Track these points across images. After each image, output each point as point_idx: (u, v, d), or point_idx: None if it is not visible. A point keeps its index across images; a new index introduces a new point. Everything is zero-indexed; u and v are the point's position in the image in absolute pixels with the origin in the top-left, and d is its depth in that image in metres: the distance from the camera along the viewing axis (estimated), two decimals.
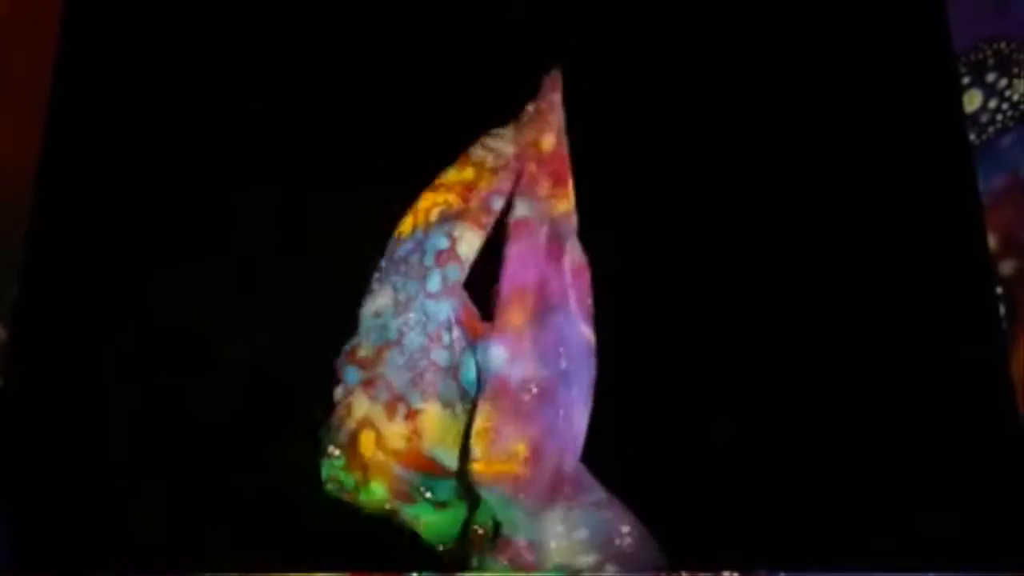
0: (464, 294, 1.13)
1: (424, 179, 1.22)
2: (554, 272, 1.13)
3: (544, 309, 1.11)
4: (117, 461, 1.15)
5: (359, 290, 1.18)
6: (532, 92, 1.23)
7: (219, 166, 1.25)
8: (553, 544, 1.07)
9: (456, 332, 1.12)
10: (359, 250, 1.21)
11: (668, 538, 1.07)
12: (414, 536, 1.10)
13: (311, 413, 1.12)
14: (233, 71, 1.29)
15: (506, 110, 1.24)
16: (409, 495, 1.09)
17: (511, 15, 1.30)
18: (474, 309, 1.13)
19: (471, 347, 1.11)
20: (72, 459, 1.16)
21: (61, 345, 1.20)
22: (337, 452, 1.10)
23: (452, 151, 1.24)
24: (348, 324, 1.16)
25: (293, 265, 1.23)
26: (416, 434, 1.10)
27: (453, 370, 1.11)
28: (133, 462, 1.15)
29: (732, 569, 1.06)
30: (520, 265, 1.13)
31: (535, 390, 1.09)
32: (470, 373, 1.11)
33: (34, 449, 1.17)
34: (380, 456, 1.10)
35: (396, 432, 1.10)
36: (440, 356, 1.12)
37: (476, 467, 1.07)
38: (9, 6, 1.29)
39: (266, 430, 1.16)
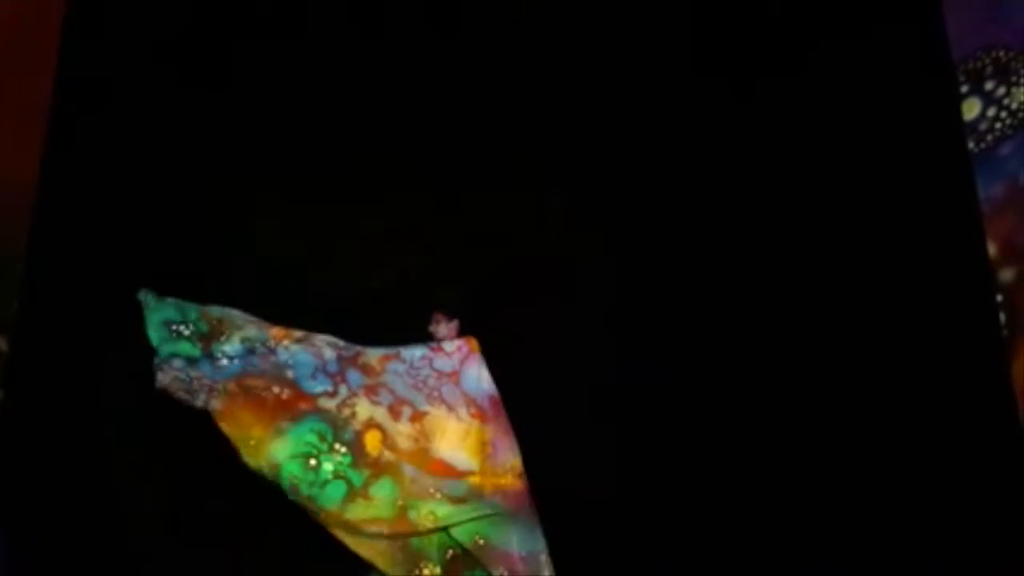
0: None
1: (425, 186, 1.24)
2: None
3: None
4: (116, 472, 1.15)
5: (360, 294, 1.20)
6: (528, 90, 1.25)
7: (218, 175, 1.25)
8: (547, 556, 1.07)
9: (457, 342, 1.15)
10: (360, 253, 1.22)
11: (674, 544, 1.08)
12: None
13: None
14: (232, 80, 1.29)
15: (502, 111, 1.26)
16: (423, 494, 1.09)
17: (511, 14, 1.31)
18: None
19: (471, 358, 1.14)
20: (71, 470, 1.16)
21: (61, 357, 1.20)
22: (344, 450, 1.10)
23: (454, 157, 1.25)
24: (348, 328, 1.17)
25: (295, 268, 1.23)
26: (423, 436, 1.11)
27: (455, 375, 1.13)
28: (131, 473, 1.15)
29: (734, 571, 1.06)
30: None
31: None
32: (471, 381, 1.13)
33: (33, 460, 1.17)
34: (388, 455, 1.10)
35: (403, 432, 1.11)
36: (443, 364, 1.14)
37: (474, 480, 1.09)
38: (10, 19, 1.29)
39: None
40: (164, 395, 1.11)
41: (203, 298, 1.19)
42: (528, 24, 1.30)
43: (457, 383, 1.13)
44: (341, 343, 1.15)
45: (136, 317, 1.18)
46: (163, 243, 1.23)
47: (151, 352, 1.13)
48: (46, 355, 1.20)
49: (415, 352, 1.14)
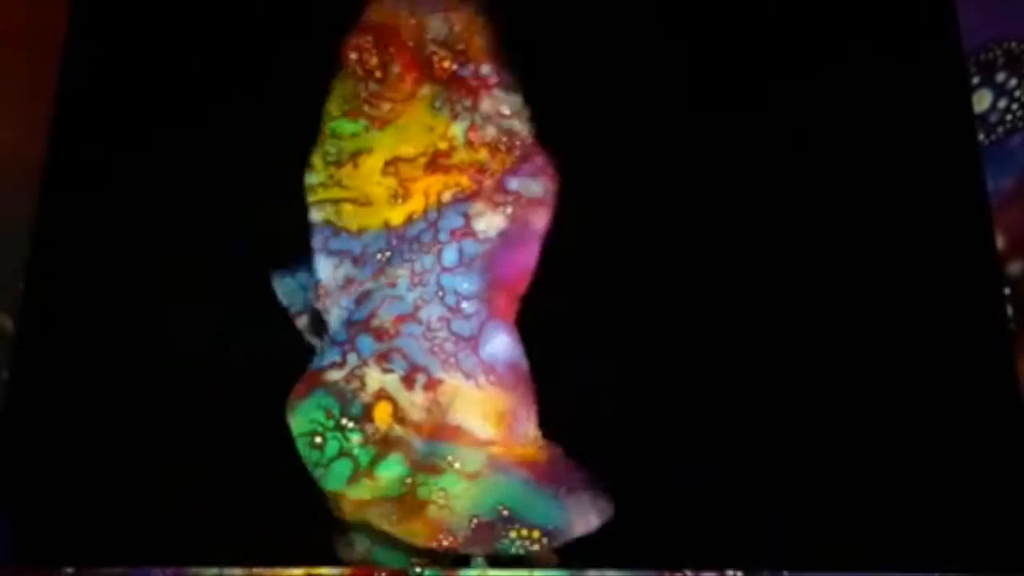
0: (485, 269, 1.10)
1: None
2: None
3: None
4: (120, 454, 1.16)
5: None
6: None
7: (222, 166, 1.25)
8: (572, 531, 1.05)
9: (476, 304, 1.10)
10: None
11: (673, 537, 1.07)
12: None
13: None
14: (235, 75, 1.30)
15: None
16: (435, 466, 1.06)
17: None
18: (496, 287, 1.10)
19: (490, 324, 1.09)
20: (75, 452, 1.16)
21: (66, 338, 1.21)
22: (351, 425, 1.07)
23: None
24: None
25: (296, 263, 1.23)
26: (437, 405, 1.07)
27: (474, 341, 1.09)
28: (135, 455, 1.16)
29: (736, 568, 1.06)
30: (534, 246, 1.10)
31: None
32: (490, 349, 1.08)
33: (38, 442, 1.17)
34: (398, 429, 1.07)
35: (415, 403, 1.07)
36: (461, 327, 1.09)
37: (494, 450, 1.06)
38: (14, 13, 1.30)
39: (270, 422, 1.15)
40: None
41: (204, 284, 1.20)
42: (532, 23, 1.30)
43: (475, 349, 1.08)
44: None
45: (142, 297, 1.18)
46: (165, 228, 1.24)
47: (156, 332, 1.14)
48: (51, 335, 1.21)
49: (432, 312, 1.10)
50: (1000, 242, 1.18)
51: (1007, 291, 1.17)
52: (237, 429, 1.16)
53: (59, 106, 1.26)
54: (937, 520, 1.09)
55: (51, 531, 1.14)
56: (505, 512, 1.05)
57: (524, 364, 1.08)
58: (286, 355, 1.19)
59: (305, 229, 1.18)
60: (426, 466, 1.06)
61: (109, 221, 1.24)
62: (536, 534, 1.04)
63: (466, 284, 1.10)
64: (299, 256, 1.20)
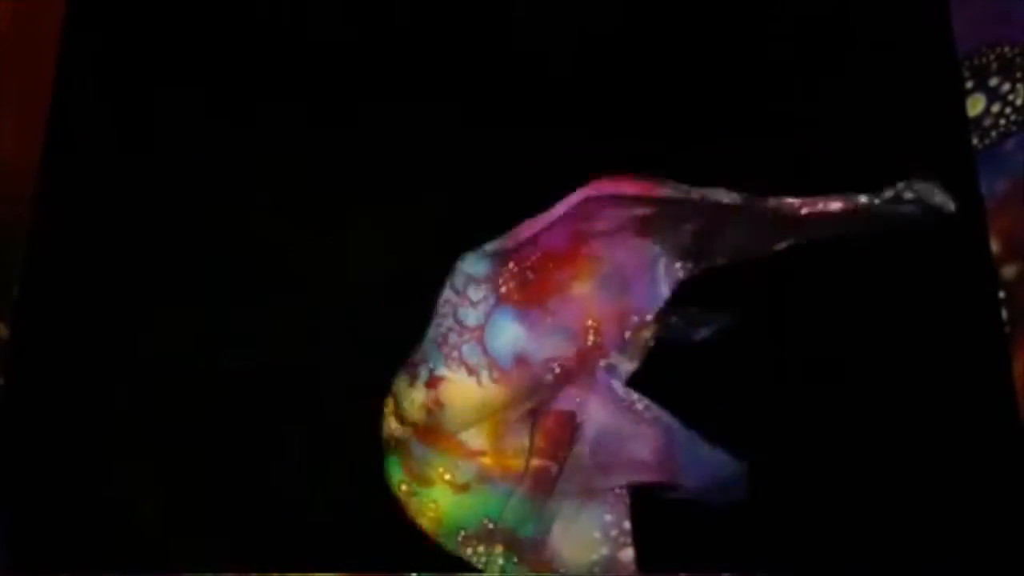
0: (498, 252, 1.04)
1: (422, 184, 1.24)
2: (603, 238, 1.04)
3: (575, 277, 1.04)
4: (115, 460, 1.15)
5: (360, 294, 1.19)
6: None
7: (221, 165, 1.26)
8: (566, 541, 1.04)
9: (485, 289, 1.03)
10: (359, 255, 1.22)
11: (669, 539, 1.07)
12: (412, 536, 1.09)
13: None
14: (234, 74, 1.30)
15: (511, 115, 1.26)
16: (428, 477, 1.04)
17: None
18: (508, 270, 1.04)
19: (498, 312, 1.02)
20: (71, 458, 1.16)
21: (61, 344, 1.20)
22: None
23: (452, 157, 1.25)
24: (348, 328, 1.17)
25: (296, 268, 1.23)
26: (438, 405, 1.02)
27: (480, 331, 1.02)
28: (131, 461, 1.15)
29: (732, 571, 1.06)
30: (551, 225, 1.02)
31: (558, 370, 1.03)
32: (496, 340, 1.02)
33: (33, 448, 1.17)
34: (399, 429, 1.05)
35: (417, 400, 1.03)
36: (467, 315, 1.02)
37: (484, 460, 1.04)
38: (11, 12, 1.30)
39: (267, 429, 1.15)
40: None
41: (201, 289, 1.20)
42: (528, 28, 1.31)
43: (480, 340, 1.02)
44: None
45: (138, 304, 1.18)
46: (166, 229, 1.24)
47: (152, 337, 1.14)
48: (46, 343, 1.20)
49: (438, 298, 1.04)
50: (994, 246, 1.19)
51: (1002, 295, 1.17)
52: (234, 435, 1.16)
53: (55, 111, 1.26)
54: (932, 524, 1.09)
55: (45, 538, 1.13)
56: (491, 526, 1.03)
57: (535, 358, 1.02)
58: (284, 358, 1.19)
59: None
60: (420, 475, 1.05)
61: (105, 226, 1.24)
62: (499, 548, 1.02)
63: (476, 267, 1.04)
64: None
